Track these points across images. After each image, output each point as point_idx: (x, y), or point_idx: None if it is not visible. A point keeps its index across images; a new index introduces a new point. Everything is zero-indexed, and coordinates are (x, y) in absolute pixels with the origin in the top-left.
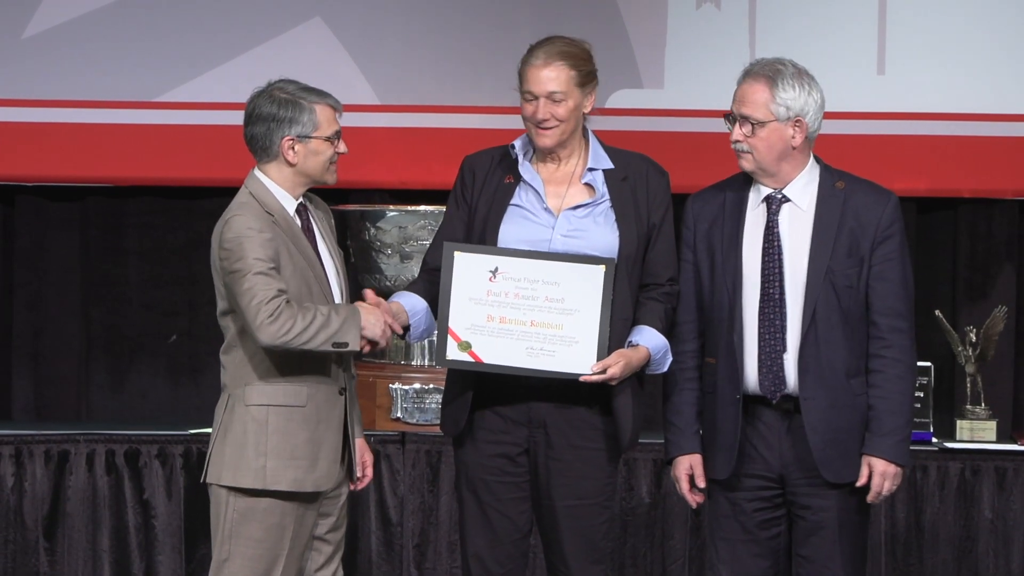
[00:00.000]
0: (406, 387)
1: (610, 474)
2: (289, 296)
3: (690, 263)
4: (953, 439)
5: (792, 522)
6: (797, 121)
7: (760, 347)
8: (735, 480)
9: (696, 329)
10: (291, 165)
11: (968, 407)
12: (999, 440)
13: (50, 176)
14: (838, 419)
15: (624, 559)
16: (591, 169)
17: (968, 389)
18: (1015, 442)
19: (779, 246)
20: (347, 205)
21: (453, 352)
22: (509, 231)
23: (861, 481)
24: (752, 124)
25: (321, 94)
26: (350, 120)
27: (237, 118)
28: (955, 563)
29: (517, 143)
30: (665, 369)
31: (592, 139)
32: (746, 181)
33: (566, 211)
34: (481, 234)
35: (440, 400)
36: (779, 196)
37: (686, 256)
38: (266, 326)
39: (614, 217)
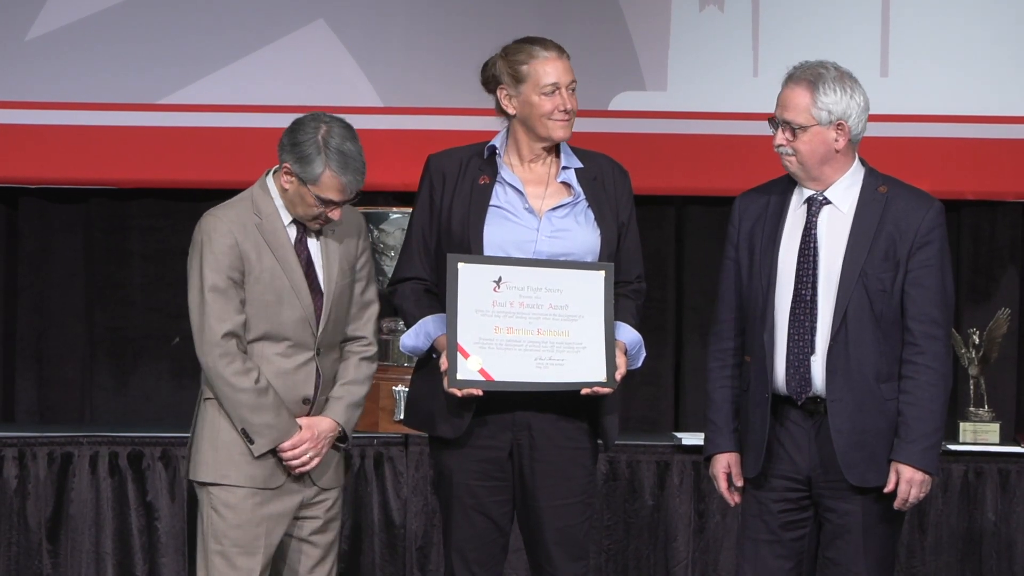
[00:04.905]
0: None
1: (592, 471)
2: (252, 303)
3: (732, 260)
4: (956, 441)
5: (819, 524)
6: (839, 125)
7: (789, 348)
8: (763, 480)
9: (737, 327)
10: (284, 189)
11: (971, 409)
12: (1002, 442)
13: (53, 178)
14: (864, 422)
15: (627, 561)
16: (565, 168)
17: (971, 391)
18: (1018, 444)
19: (815, 248)
20: None
21: (464, 372)
22: (493, 233)
23: (888, 487)
24: (794, 129)
25: (344, 167)
26: (353, 122)
27: (240, 120)
28: (958, 565)
29: (496, 143)
30: (639, 365)
31: None
32: (791, 182)
33: (547, 212)
34: (462, 237)
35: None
36: (820, 198)
37: (729, 253)
38: (216, 357)
39: (593, 216)
